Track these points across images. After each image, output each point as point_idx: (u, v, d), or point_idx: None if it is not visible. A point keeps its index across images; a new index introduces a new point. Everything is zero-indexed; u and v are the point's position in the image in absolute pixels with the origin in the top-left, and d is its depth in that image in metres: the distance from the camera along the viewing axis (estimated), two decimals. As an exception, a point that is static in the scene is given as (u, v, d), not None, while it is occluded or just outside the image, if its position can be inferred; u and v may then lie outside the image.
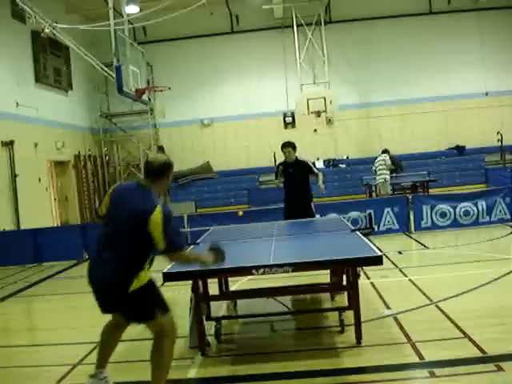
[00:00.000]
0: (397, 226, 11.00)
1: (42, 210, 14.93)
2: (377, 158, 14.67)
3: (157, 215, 3.45)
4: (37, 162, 14.91)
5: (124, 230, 3.55)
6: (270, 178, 19.24)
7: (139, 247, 3.54)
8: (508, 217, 11.01)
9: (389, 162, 14.14)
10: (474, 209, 10.93)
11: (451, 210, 10.91)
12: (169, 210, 3.55)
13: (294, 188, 8.00)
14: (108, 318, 3.95)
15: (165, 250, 3.50)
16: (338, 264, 4.69)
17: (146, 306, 3.59)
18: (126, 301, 3.53)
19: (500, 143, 18.13)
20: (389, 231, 10.94)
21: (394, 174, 15.03)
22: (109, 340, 3.91)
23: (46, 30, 12.71)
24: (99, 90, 19.38)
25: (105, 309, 3.72)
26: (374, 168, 14.47)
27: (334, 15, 19.38)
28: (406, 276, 7.22)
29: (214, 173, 19.49)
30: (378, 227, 10.74)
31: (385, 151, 14.74)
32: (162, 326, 3.61)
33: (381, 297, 6.15)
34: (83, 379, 4.06)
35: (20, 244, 11.03)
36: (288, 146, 8.08)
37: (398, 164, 14.67)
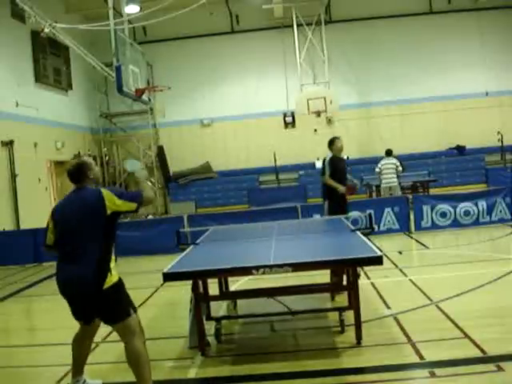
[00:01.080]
0: (397, 226, 11.00)
1: (41, 210, 14.85)
2: (382, 159, 13.82)
3: (105, 192, 3.75)
4: (36, 162, 14.90)
5: (86, 231, 3.68)
6: (269, 178, 19.31)
7: (105, 240, 3.69)
8: (508, 217, 11.01)
9: (400, 169, 13.52)
10: (475, 209, 10.92)
11: (451, 209, 10.91)
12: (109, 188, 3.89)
13: (342, 183, 7.75)
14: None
15: (137, 206, 3.81)
16: (338, 264, 4.69)
17: (121, 304, 3.68)
18: (103, 299, 3.59)
19: (500, 143, 18.12)
20: (389, 231, 10.93)
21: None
22: (80, 350, 4.02)
23: (46, 30, 12.68)
24: (99, 89, 19.37)
25: (80, 315, 3.81)
26: (378, 169, 13.66)
27: (334, 15, 19.39)
28: (406, 276, 7.21)
29: (213, 173, 19.49)
30: (378, 227, 10.72)
31: (390, 153, 13.82)
32: (132, 327, 3.68)
33: (381, 297, 6.15)
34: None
35: (20, 244, 11.01)
36: (339, 139, 7.72)
37: (403, 166, 14.25)
